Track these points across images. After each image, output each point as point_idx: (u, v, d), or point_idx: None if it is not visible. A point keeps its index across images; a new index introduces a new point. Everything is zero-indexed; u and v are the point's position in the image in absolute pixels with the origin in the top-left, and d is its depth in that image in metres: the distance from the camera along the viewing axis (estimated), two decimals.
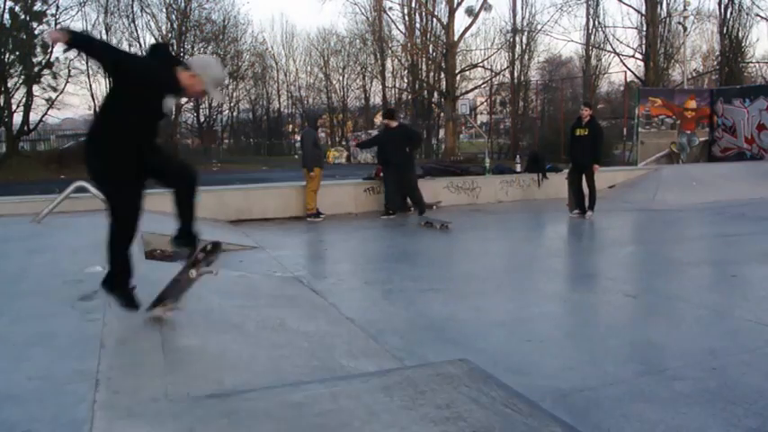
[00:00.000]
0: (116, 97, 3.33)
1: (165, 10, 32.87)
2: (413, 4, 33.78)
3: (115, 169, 3.32)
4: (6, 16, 28.66)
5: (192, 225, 3.65)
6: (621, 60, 28.30)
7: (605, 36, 29.51)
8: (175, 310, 3.61)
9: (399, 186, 10.15)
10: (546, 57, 36.46)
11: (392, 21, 34.46)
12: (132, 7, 33.03)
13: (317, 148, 10.30)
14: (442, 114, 34.35)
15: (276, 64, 42.95)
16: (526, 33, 32.22)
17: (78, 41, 3.21)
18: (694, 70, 31.25)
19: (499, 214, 10.52)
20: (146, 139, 3.41)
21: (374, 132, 25.25)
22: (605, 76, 32.28)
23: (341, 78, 41.80)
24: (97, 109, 3.50)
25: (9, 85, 29.49)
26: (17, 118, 30.30)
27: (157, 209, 9.25)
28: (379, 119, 35.33)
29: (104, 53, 3.40)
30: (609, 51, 29.69)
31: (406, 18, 34.19)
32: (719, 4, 27.20)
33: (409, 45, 33.86)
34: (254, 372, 3.23)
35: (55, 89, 30.88)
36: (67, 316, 3.79)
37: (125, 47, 42.88)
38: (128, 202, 3.39)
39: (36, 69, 29.85)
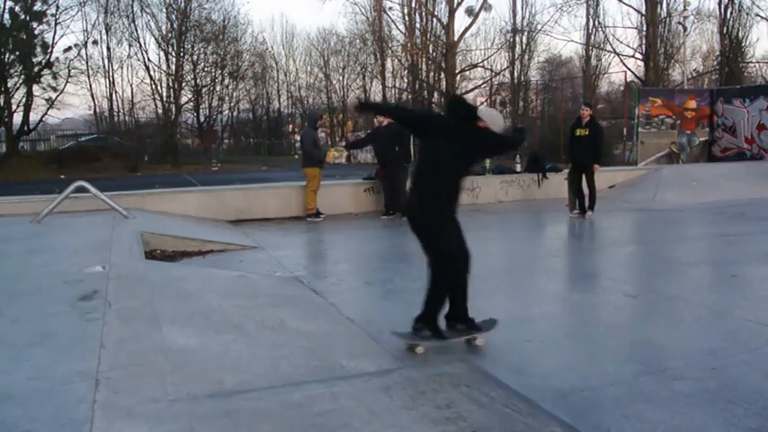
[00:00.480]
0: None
1: (165, 10, 32.88)
2: (413, 4, 33.78)
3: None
4: (6, 16, 28.68)
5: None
6: (621, 60, 28.32)
7: (605, 36, 29.53)
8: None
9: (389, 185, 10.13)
10: (546, 57, 36.51)
11: (392, 21, 34.50)
12: (132, 7, 33.05)
13: (317, 148, 10.29)
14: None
15: (276, 64, 43.02)
16: (526, 33, 32.25)
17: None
18: (694, 70, 31.28)
19: (499, 214, 10.52)
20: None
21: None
22: (605, 76, 32.32)
23: (341, 78, 41.87)
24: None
25: (9, 85, 29.51)
26: (17, 118, 30.35)
27: (157, 209, 9.32)
28: (379, 118, 35.28)
29: None
30: (609, 51, 29.72)
31: (406, 18, 34.19)
32: (719, 4, 27.21)
33: (409, 45, 33.86)
34: (255, 372, 3.23)
35: (55, 89, 30.92)
36: (67, 316, 3.79)
37: (125, 47, 43.06)
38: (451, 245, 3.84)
39: (36, 69, 29.87)
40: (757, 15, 26.63)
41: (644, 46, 26.98)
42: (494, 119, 3.91)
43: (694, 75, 30.53)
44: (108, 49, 34.85)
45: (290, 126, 46.66)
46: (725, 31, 27.21)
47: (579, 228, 9.26)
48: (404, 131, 10.83)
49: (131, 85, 49.77)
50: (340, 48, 40.58)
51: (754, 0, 26.94)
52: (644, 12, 26.82)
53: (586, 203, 9.76)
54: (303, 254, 7.84)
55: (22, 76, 29.66)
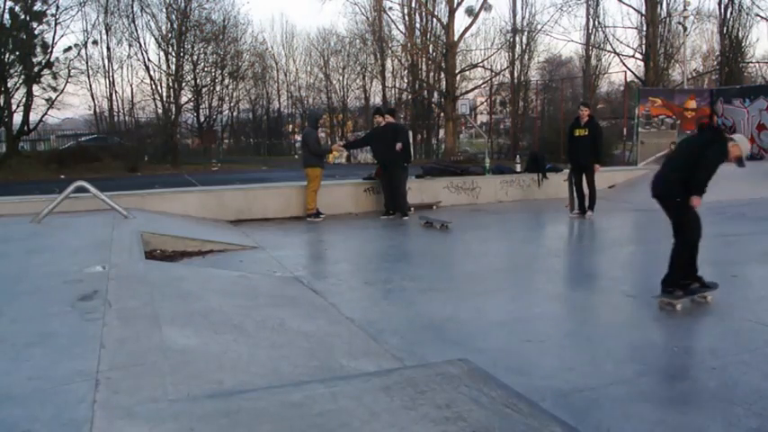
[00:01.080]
0: None
1: (165, 10, 32.91)
2: (413, 4, 33.81)
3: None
4: (6, 16, 28.70)
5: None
6: (621, 60, 28.33)
7: (605, 36, 29.56)
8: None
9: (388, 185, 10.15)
10: (546, 57, 36.55)
11: (392, 21, 34.51)
12: (132, 7, 33.09)
13: (319, 148, 10.27)
14: (442, 114, 34.33)
15: (276, 64, 43.03)
16: (526, 33, 32.26)
17: None
18: (694, 70, 31.28)
19: (499, 214, 10.52)
20: None
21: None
22: (605, 76, 32.33)
23: (341, 78, 41.84)
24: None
25: (9, 85, 29.52)
26: (17, 118, 30.37)
27: (157, 209, 9.32)
28: (378, 119, 35.41)
29: None
30: (609, 51, 29.74)
31: (406, 18, 34.22)
32: (719, 4, 27.23)
33: (409, 45, 33.87)
34: (254, 372, 3.23)
35: (55, 89, 30.94)
36: (67, 316, 3.79)
37: (125, 47, 43.05)
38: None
39: (36, 69, 29.88)
40: (757, 15, 26.67)
41: (644, 46, 26.99)
42: (743, 141, 4.99)
43: (694, 75, 30.55)
44: (108, 49, 34.95)
45: (290, 126, 46.67)
46: (725, 31, 27.22)
47: (579, 228, 9.26)
48: (402, 132, 10.84)
49: (131, 86, 49.96)
50: (340, 48, 40.60)
51: (754, 0, 26.97)
52: (644, 12, 26.84)
53: (586, 203, 9.76)
54: (303, 254, 7.84)
55: (22, 76, 29.67)
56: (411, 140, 31.75)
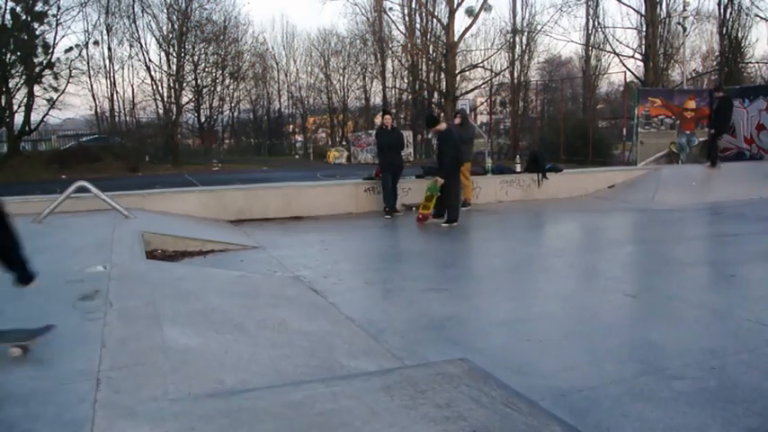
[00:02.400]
0: None
1: (165, 10, 32.94)
2: (413, 5, 33.86)
3: None
4: (8, 17, 28.72)
5: None
6: (621, 61, 28.34)
7: (605, 36, 29.58)
8: None
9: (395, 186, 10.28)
10: (546, 57, 36.56)
11: (392, 21, 34.56)
12: (133, 8, 33.12)
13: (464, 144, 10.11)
14: (442, 115, 34.35)
15: (277, 64, 43.06)
16: (526, 34, 32.28)
17: None
18: (694, 70, 31.29)
19: (499, 214, 10.52)
20: None
21: (373, 132, 25.30)
22: (605, 76, 32.34)
23: (341, 79, 41.83)
24: None
25: (10, 85, 29.58)
26: (18, 118, 30.41)
27: (158, 209, 9.33)
28: (379, 119, 35.34)
29: None
30: (609, 52, 29.76)
31: (407, 18, 34.26)
32: (719, 4, 27.22)
33: (409, 45, 33.90)
34: (255, 371, 3.24)
35: (56, 89, 30.98)
36: (69, 315, 3.80)
37: (126, 47, 43.03)
38: None
39: (37, 70, 29.92)
40: (756, 16, 26.66)
41: (643, 46, 27.00)
42: None
43: (694, 75, 30.56)
44: (109, 49, 34.99)
45: (291, 126, 46.68)
46: (724, 31, 27.22)
47: (579, 228, 9.27)
48: (402, 138, 10.95)
49: (132, 86, 50.05)
50: (340, 48, 40.61)
51: (754, 0, 26.96)
52: (643, 12, 26.84)
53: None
54: (303, 253, 7.83)
55: (24, 77, 29.72)
56: (411, 140, 31.94)
